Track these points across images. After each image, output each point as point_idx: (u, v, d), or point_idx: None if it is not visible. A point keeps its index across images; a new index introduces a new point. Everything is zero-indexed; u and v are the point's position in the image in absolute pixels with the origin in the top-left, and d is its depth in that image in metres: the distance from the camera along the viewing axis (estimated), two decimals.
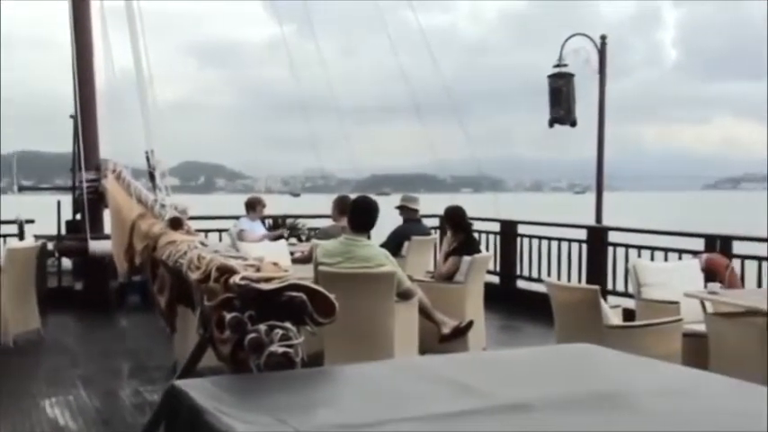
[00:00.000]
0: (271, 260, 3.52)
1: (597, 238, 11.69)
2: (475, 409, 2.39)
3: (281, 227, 13.56)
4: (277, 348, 2.89)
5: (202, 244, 4.41)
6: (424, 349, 7.23)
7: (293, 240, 12.38)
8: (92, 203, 11.53)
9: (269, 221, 13.41)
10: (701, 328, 6.95)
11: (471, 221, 9.80)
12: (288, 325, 2.97)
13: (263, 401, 2.49)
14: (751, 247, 9.85)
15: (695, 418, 2.38)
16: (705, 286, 7.69)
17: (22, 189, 16.83)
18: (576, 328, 6.68)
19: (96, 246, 10.84)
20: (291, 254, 10.14)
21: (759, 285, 9.18)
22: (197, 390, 2.53)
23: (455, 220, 9.24)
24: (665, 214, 48.42)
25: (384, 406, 2.49)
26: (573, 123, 13.12)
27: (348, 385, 2.83)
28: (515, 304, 12.00)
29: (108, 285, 11.58)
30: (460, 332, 7.95)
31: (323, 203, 11.92)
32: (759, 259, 9.40)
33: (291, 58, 11.62)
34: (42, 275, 10.42)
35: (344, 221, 8.22)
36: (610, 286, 11.08)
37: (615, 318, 7.03)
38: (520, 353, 3.63)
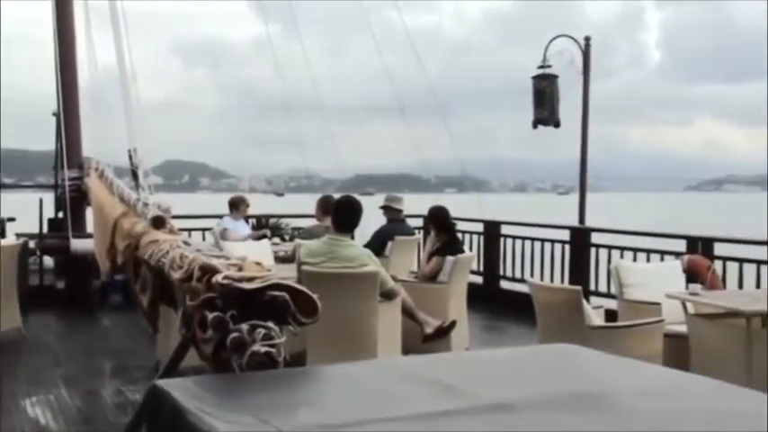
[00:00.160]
0: (254, 260, 3.52)
1: (580, 239, 11.73)
2: (457, 409, 2.39)
3: (264, 226, 13.53)
4: (259, 348, 2.89)
5: (185, 243, 4.40)
6: (407, 349, 7.23)
7: (276, 240, 12.35)
8: (74, 202, 11.48)
9: (252, 221, 13.38)
10: (683, 328, 6.99)
11: (455, 222, 9.81)
12: (270, 324, 2.96)
13: (246, 401, 2.49)
14: (732, 248, 9.91)
15: (676, 418, 2.39)
16: (687, 287, 7.72)
17: (2, 187, 16.73)
18: (559, 328, 6.71)
19: (78, 244, 10.78)
20: (275, 253, 10.12)
21: (740, 287, 9.23)
22: (179, 389, 2.52)
23: (439, 220, 9.25)
24: (648, 215, 48.63)
25: (367, 406, 2.49)
26: (557, 124, 13.15)
27: (331, 385, 2.83)
28: (498, 304, 12.02)
29: (90, 284, 11.54)
30: (443, 332, 7.95)
31: (307, 203, 11.91)
32: (740, 261, 9.46)
33: (276, 58, 11.62)
34: (24, 274, 10.36)
35: (328, 221, 8.22)
36: (592, 287, 11.11)
37: (597, 318, 7.06)
38: (502, 353, 3.64)
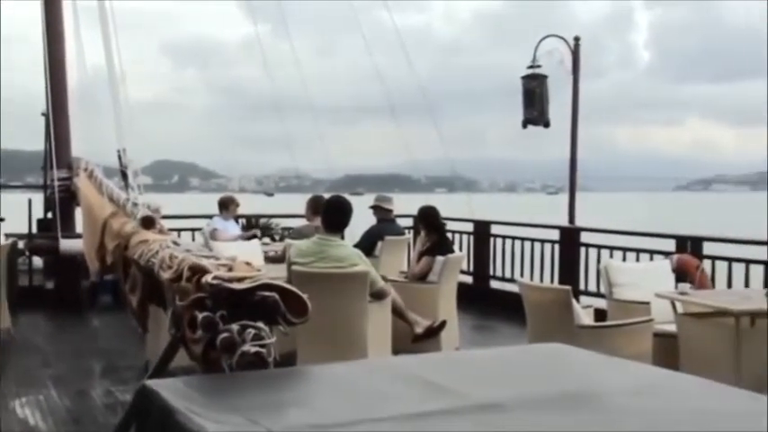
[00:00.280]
0: (243, 260, 3.51)
1: (570, 239, 11.75)
2: (447, 409, 2.40)
3: (254, 226, 13.52)
4: (249, 348, 2.89)
5: (175, 243, 4.39)
6: (398, 349, 7.23)
7: (266, 240, 12.34)
8: (63, 202, 11.45)
9: (242, 221, 13.37)
10: (672, 328, 7.01)
11: (445, 222, 9.81)
12: (260, 325, 2.96)
13: (236, 401, 2.48)
14: (721, 248, 9.94)
15: (665, 417, 2.40)
16: (676, 287, 7.74)
17: None
18: (549, 328, 6.71)
19: (68, 244, 10.75)
20: (265, 253, 10.11)
21: (729, 286, 9.26)
22: (168, 390, 2.52)
23: (428, 220, 9.25)
24: (638, 215, 48.72)
25: (357, 406, 2.49)
26: (546, 124, 13.16)
27: (321, 385, 2.83)
28: (488, 304, 12.02)
29: (79, 284, 11.51)
30: (433, 332, 7.96)
31: (297, 203, 11.90)
32: (729, 260, 9.49)
33: (266, 58, 11.61)
34: (13, 274, 10.31)
35: (318, 221, 8.22)
36: (582, 286, 11.13)
37: (587, 318, 7.07)
38: (492, 353, 3.64)
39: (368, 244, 10.00)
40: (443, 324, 8.08)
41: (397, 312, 7.63)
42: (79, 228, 10.49)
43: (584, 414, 2.42)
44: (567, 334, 6.14)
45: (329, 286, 6.77)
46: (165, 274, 3.70)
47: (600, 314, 8.28)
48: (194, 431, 2.21)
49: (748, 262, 9.33)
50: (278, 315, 3.01)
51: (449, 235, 11.00)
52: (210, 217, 12.29)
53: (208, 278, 3.13)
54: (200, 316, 3.01)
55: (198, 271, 3.33)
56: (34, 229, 12.14)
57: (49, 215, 12.05)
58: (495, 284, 12.83)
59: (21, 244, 11.15)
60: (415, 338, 7.81)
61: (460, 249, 12.26)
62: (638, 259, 10.48)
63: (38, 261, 12.30)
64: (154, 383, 2.62)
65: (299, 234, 9.74)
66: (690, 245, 9.78)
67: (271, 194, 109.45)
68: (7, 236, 10.96)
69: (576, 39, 13.13)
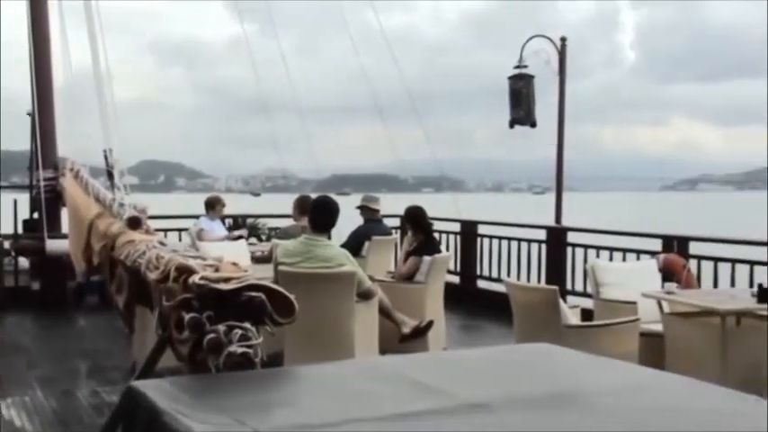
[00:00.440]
0: (230, 260, 3.51)
1: (556, 239, 11.78)
2: (435, 409, 2.40)
3: (241, 226, 13.50)
4: (236, 349, 2.88)
5: (161, 243, 4.38)
6: (385, 349, 7.24)
7: (253, 240, 12.33)
8: (49, 202, 11.41)
9: (229, 221, 13.35)
10: (658, 327, 7.04)
11: (432, 222, 9.82)
12: (247, 325, 2.96)
13: (222, 402, 2.48)
14: (707, 247, 9.98)
15: (652, 416, 2.41)
16: (662, 286, 7.77)
17: None
18: (536, 327, 6.73)
19: (54, 245, 10.72)
20: (251, 254, 10.11)
21: (715, 286, 9.30)
22: (155, 390, 2.51)
23: (415, 220, 9.26)
24: (624, 215, 48.86)
25: (344, 406, 2.49)
26: (533, 124, 13.18)
27: (308, 385, 2.83)
28: (476, 304, 12.04)
29: (66, 285, 11.48)
30: (421, 332, 7.97)
31: (283, 203, 11.89)
32: (715, 260, 9.53)
33: (253, 58, 11.59)
34: None
35: (305, 221, 8.21)
36: (569, 286, 11.16)
37: (574, 317, 7.09)
38: (479, 352, 3.65)
39: (355, 244, 10.00)
40: (430, 324, 8.09)
41: (384, 312, 7.63)
42: (65, 228, 10.46)
43: (571, 413, 2.42)
44: (554, 334, 6.15)
45: (316, 286, 6.77)
46: (152, 275, 3.69)
47: (587, 314, 8.30)
48: (181, 431, 2.21)
49: (734, 261, 9.38)
50: (265, 315, 3.01)
51: (436, 235, 11.01)
52: (197, 217, 12.28)
53: (195, 279, 3.12)
54: (186, 316, 3.00)
55: (185, 271, 3.32)
56: (20, 230, 12.11)
57: (35, 215, 12.01)
58: (482, 284, 12.85)
59: (6, 244, 11.13)
60: (402, 338, 7.81)
61: (447, 249, 12.28)
62: (624, 259, 10.51)
63: (24, 262, 12.27)
64: (140, 384, 2.61)
65: (285, 234, 9.74)
66: (676, 244, 9.82)
67: (257, 194, 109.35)
68: None
69: (563, 39, 13.16)
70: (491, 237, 12.92)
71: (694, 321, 6.89)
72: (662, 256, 9.30)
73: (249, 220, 14.10)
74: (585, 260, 10.76)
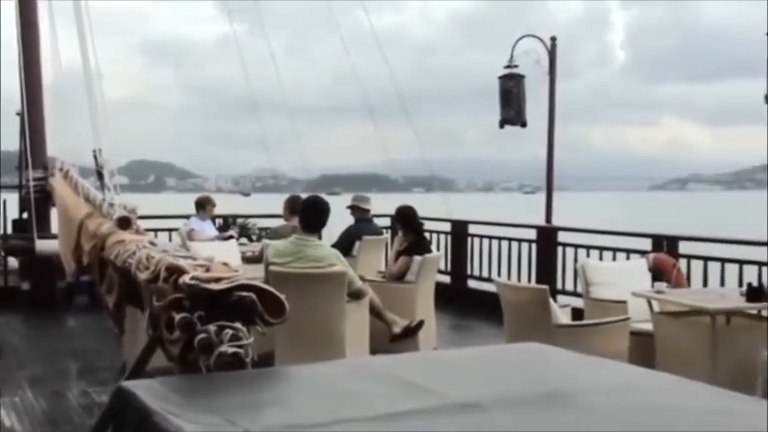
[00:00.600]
0: (221, 260, 3.50)
1: (547, 238, 11.80)
2: (425, 409, 2.40)
3: (231, 226, 13.49)
4: (227, 349, 2.87)
5: (151, 243, 4.37)
6: (375, 349, 7.24)
7: (244, 240, 12.32)
8: (39, 202, 11.37)
9: (219, 221, 13.34)
10: (648, 326, 7.05)
11: (422, 221, 9.83)
12: (238, 325, 2.95)
13: (213, 402, 2.47)
14: (697, 247, 10.01)
15: (642, 415, 2.41)
16: (652, 286, 7.79)
17: None
18: (526, 327, 6.74)
19: (43, 245, 10.69)
20: (242, 254, 10.10)
21: (704, 285, 9.33)
22: (145, 391, 2.50)
23: (406, 219, 9.26)
24: (614, 214, 48.97)
25: (334, 406, 2.49)
26: (523, 124, 13.20)
27: (298, 385, 2.83)
28: (466, 304, 12.05)
29: (55, 285, 11.45)
30: (411, 332, 7.97)
31: (274, 203, 11.89)
32: (705, 259, 9.56)
33: (242, 57, 11.58)
34: None
35: (295, 221, 8.21)
36: (559, 286, 11.18)
37: (564, 317, 7.10)
38: (470, 352, 3.64)
39: (345, 244, 10.01)
40: (421, 324, 8.10)
41: (374, 312, 7.64)
42: (55, 228, 10.44)
43: (561, 413, 2.42)
44: (544, 333, 6.16)
45: (307, 286, 6.77)
46: (142, 275, 3.68)
47: (577, 313, 8.32)
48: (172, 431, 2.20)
49: (724, 261, 9.40)
50: (255, 315, 3.00)
51: (426, 235, 11.02)
52: (187, 217, 12.26)
53: (185, 279, 3.11)
54: (177, 317, 2.99)
55: (175, 271, 3.32)
56: (9, 230, 12.08)
57: (25, 216, 11.97)
58: (472, 284, 12.86)
59: None
60: (392, 338, 7.82)
61: (438, 249, 12.29)
62: (614, 258, 10.54)
63: (13, 262, 12.24)
64: (131, 384, 2.61)
65: (276, 234, 9.73)
66: (666, 244, 9.85)
67: (247, 194, 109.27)
68: None
69: (553, 39, 13.18)
70: (481, 236, 12.93)
71: (684, 320, 6.90)
72: (652, 256, 9.33)
73: (239, 220, 14.09)
74: (576, 260, 10.78)
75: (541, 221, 12.99)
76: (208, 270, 3.29)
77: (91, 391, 7.25)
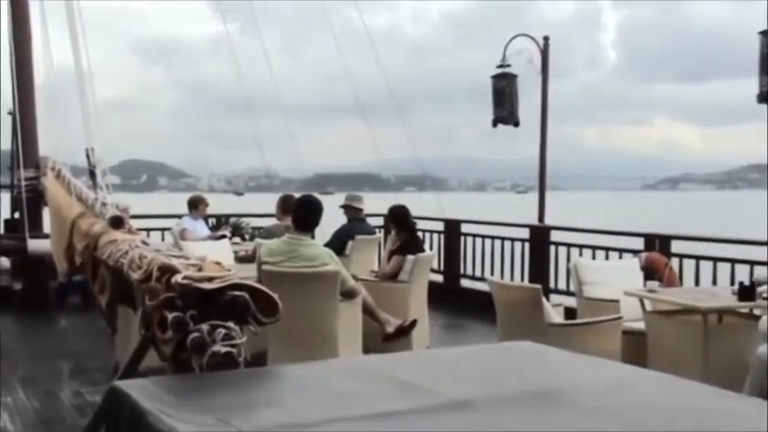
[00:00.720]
0: (213, 259, 3.50)
1: (539, 238, 11.81)
2: (418, 408, 2.40)
3: (224, 226, 13.47)
4: (220, 348, 2.87)
5: (144, 243, 4.36)
6: (368, 348, 7.24)
7: (237, 239, 12.31)
8: (31, 202, 11.34)
9: (212, 220, 13.32)
10: (641, 325, 7.07)
11: (415, 221, 9.83)
12: (231, 324, 2.95)
13: (206, 402, 2.47)
14: (689, 246, 10.02)
15: (634, 414, 2.41)
16: (644, 284, 7.80)
17: None
18: (519, 326, 6.74)
19: (36, 245, 10.67)
20: (235, 253, 10.09)
21: (696, 284, 9.34)
22: (138, 390, 2.50)
23: (399, 219, 9.26)
24: (607, 214, 49.05)
25: (327, 405, 2.49)
26: (516, 123, 13.21)
27: (291, 385, 2.83)
28: (459, 303, 12.05)
29: (48, 285, 11.42)
30: (404, 331, 7.98)
31: (267, 202, 11.87)
32: (697, 258, 9.57)
33: (235, 57, 11.57)
34: None
35: (288, 220, 8.21)
36: (552, 285, 11.19)
37: (557, 316, 7.11)
38: (463, 351, 3.64)
39: (338, 243, 9.99)
40: (414, 323, 8.10)
41: (367, 312, 7.64)
42: (47, 228, 10.41)
43: (554, 411, 2.43)
44: (537, 332, 6.16)
45: (300, 286, 6.76)
46: (135, 275, 3.68)
47: (570, 312, 8.33)
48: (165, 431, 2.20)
49: (716, 260, 9.42)
50: (248, 315, 3.00)
51: (419, 234, 11.02)
52: (180, 217, 12.24)
53: (178, 278, 3.11)
54: (170, 316, 2.99)
55: (167, 271, 3.31)
56: (1, 230, 12.04)
57: (16, 215, 11.95)
58: (465, 283, 12.86)
59: None
60: (385, 338, 7.82)
61: (431, 248, 12.28)
62: (607, 257, 10.55)
63: (5, 262, 12.21)
64: (124, 384, 2.60)
65: (269, 233, 9.73)
66: (658, 243, 9.85)
67: (240, 194, 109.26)
68: None
69: (545, 38, 13.19)
70: (474, 235, 12.93)
71: (676, 319, 6.92)
72: (644, 255, 9.34)
73: (232, 220, 14.06)
74: (568, 259, 10.77)
75: (534, 221, 12.99)
76: (200, 269, 3.29)
77: (83, 391, 7.23)
